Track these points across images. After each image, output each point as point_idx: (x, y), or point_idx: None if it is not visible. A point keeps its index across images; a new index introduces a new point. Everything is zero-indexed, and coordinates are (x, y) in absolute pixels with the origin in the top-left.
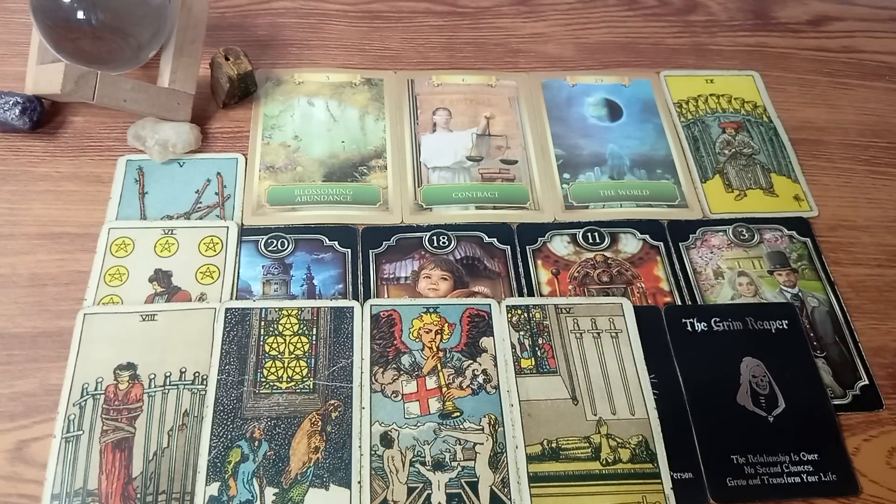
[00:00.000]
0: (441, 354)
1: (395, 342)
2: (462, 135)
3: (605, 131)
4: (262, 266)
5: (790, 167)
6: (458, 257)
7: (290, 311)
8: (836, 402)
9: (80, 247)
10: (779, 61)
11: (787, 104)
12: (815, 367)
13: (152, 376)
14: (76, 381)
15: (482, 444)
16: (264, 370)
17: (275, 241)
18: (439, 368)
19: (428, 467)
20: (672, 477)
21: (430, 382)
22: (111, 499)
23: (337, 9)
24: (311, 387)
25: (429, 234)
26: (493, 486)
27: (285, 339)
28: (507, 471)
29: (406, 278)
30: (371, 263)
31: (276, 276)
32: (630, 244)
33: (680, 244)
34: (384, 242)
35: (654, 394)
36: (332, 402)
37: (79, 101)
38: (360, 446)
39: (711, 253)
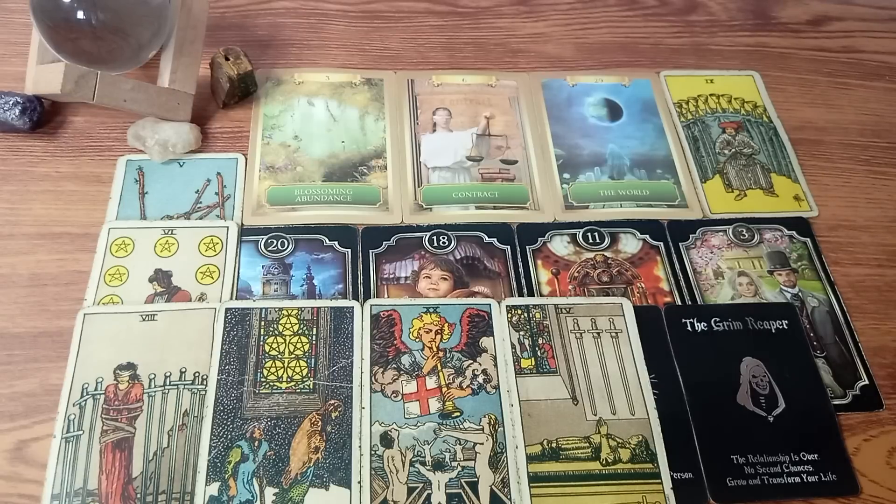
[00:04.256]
0: (441, 354)
1: (395, 342)
2: (462, 135)
3: (605, 131)
4: (262, 266)
5: (790, 167)
6: (458, 257)
7: (290, 311)
8: (836, 402)
9: (80, 247)
10: (779, 61)
11: (787, 104)
12: (815, 367)
13: (152, 376)
14: (76, 381)
15: (482, 444)
16: (264, 370)
17: (275, 241)
18: (439, 368)
19: (428, 467)
20: (672, 477)
21: (430, 382)
22: (111, 499)
23: (337, 9)
24: (311, 387)
25: (429, 234)
26: (493, 486)
27: (285, 339)
28: (507, 471)
29: (406, 278)
30: (371, 263)
31: (276, 276)
32: (630, 244)
33: (680, 244)
34: (384, 242)
35: (654, 394)
36: (332, 402)
37: (79, 101)
38: (360, 446)
39: (711, 253)
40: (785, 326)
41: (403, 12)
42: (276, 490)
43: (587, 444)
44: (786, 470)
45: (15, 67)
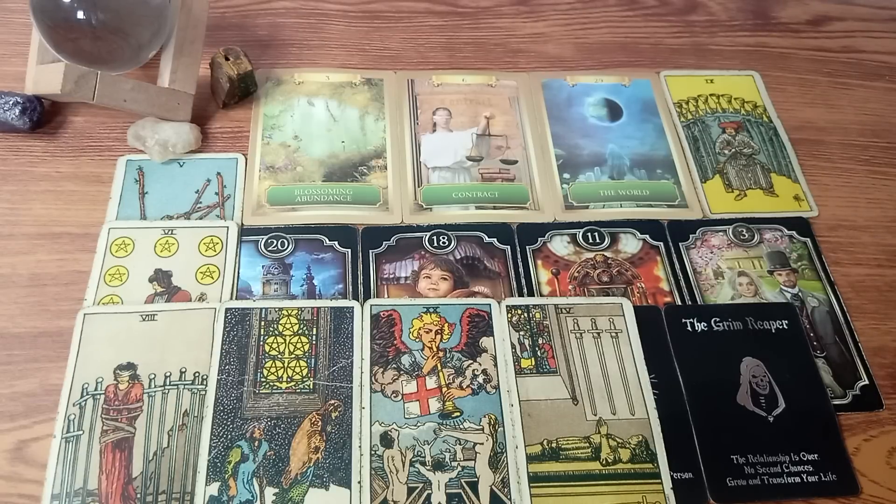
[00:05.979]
0: (441, 354)
1: (395, 342)
2: (462, 135)
3: (605, 131)
4: (262, 266)
5: (790, 167)
6: (458, 257)
7: (290, 311)
8: (836, 402)
9: (80, 247)
10: (779, 61)
11: (787, 104)
12: (815, 367)
13: (152, 376)
14: (76, 381)
15: (482, 444)
16: (264, 370)
17: (275, 241)
18: (439, 368)
19: (428, 467)
20: (672, 477)
21: (430, 382)
22: (111, 499)
23: (337, 9)
24: (311, 387)
25: (429, 234)
26: (493, 486)
27: (285, 339)
28: (507, 471)
29: (406, 278)
30: (371, 263)
31: (276, 276)
32: (630, 244)
33: (680, 244)
34: (384, 242)
35: (654, 394)
36: (332, 402)
37: (79, 101)
38: (360, 446)
39: (711, 253)
40: (785, 326)
41: (403, 12)
42: (276, 490)
43: (587, 444)
44: (786, 470)
45: (15, 67)
